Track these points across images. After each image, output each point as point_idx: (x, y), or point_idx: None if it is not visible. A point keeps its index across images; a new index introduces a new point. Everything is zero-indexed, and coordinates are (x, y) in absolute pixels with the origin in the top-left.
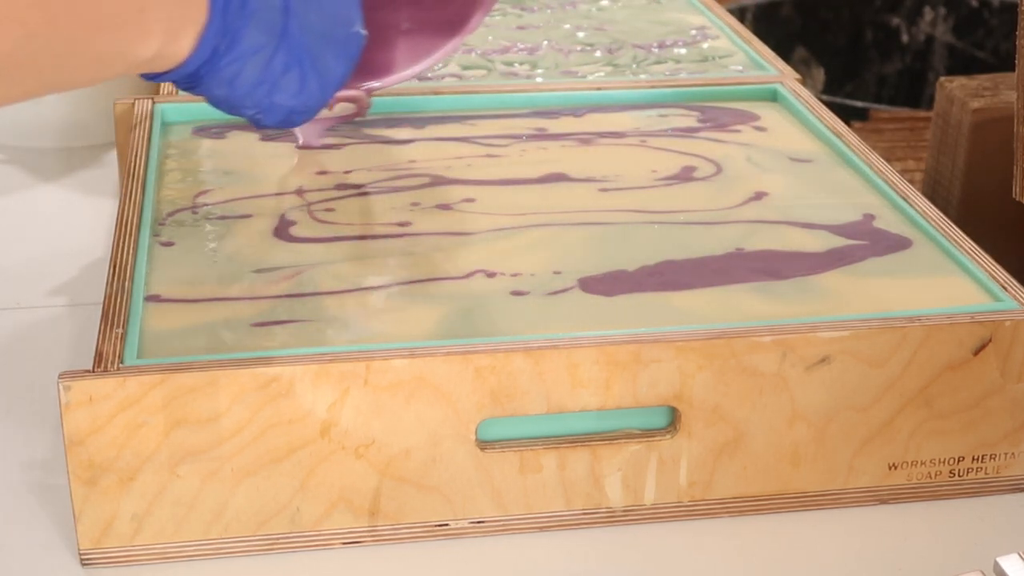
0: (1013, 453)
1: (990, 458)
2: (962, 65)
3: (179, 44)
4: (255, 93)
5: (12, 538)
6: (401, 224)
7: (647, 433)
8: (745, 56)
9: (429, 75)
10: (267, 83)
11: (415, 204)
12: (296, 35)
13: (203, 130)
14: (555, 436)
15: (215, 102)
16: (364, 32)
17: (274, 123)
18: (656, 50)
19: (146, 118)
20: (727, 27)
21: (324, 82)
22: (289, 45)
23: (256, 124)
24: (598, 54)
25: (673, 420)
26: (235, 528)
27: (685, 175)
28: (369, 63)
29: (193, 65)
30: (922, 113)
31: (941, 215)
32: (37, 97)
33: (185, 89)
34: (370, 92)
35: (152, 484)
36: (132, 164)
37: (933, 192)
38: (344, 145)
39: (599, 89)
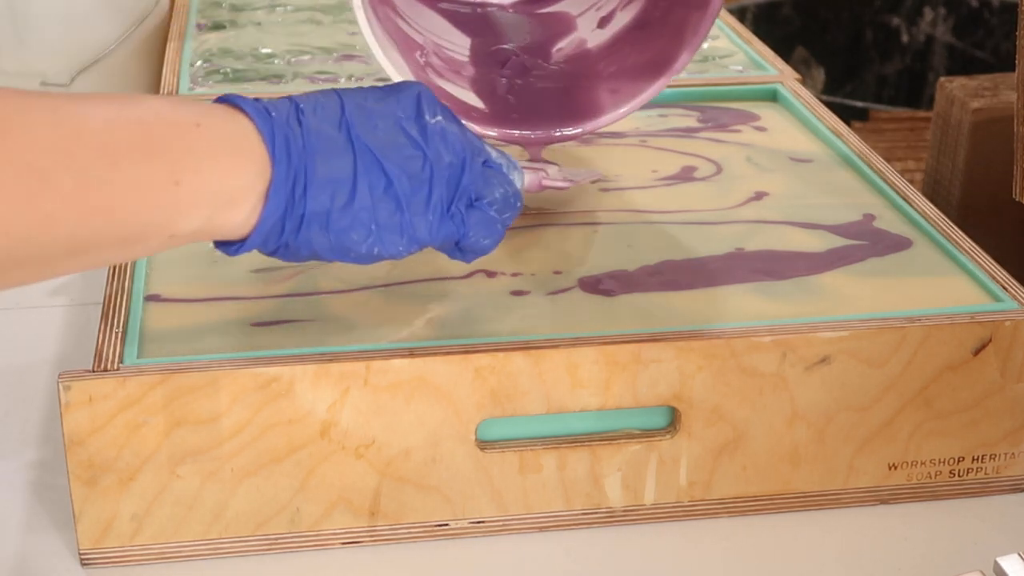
0: (1013, 453)
1: (990, 458)
2: (962, 65)
3: (235, 210)
4: (360, 220)
5: (12, 538)
6: None
7: (647, 433)
8: (745, 56)
9: None
10: (364, 207)
11: None
12: (366, 140)
13: None
14: (555, 436)
15: (327, 254)
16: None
17: (438, 240)
18: None
19: None
20: (727, 27)
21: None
22: (364, 157)
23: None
24: None
25: (673, 420)
26: (235, 528)
27: (685, 175)
28: (570, 109)
29: (268, 223)
30: (922, 113)
31: (941, 215)
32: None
33: (279, 255)
34: (563, 138)
35: (152, 484)
36: None
37: (933, 192)
38: None
39: None
